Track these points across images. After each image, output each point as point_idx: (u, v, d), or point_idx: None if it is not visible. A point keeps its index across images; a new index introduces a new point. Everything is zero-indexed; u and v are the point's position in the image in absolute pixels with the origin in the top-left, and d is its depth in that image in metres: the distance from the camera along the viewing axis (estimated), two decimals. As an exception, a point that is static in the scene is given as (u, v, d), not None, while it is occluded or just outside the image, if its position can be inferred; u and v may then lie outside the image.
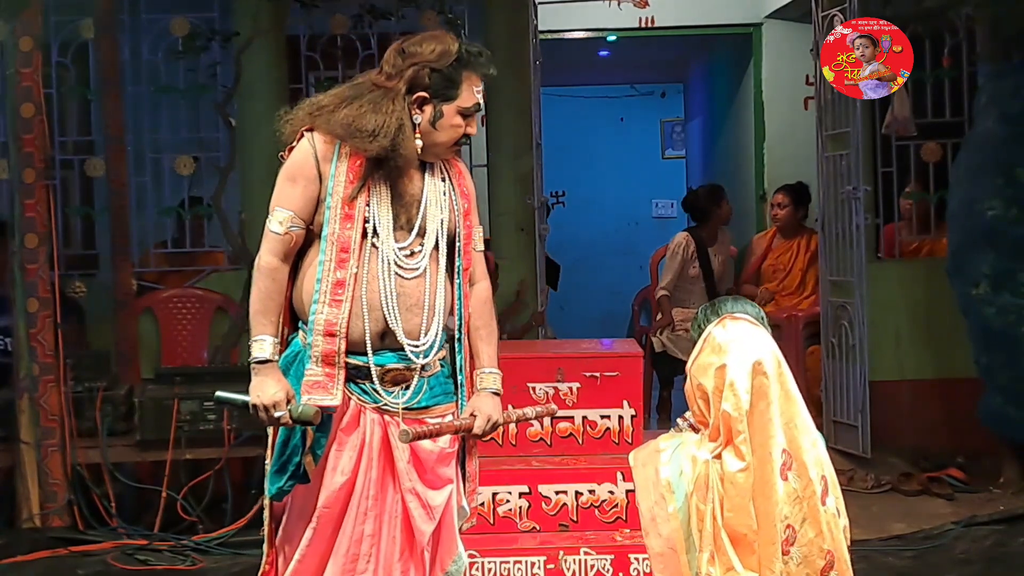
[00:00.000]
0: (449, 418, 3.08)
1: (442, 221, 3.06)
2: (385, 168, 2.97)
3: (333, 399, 2.95)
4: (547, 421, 4.69)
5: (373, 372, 2.98)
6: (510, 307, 6.39)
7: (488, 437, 3.14)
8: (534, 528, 4.61)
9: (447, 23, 6.15)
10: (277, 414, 2.92)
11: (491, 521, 4.59)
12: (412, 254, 3.01)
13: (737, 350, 3.16)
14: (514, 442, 4.76)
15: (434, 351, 3.05)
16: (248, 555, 4.88)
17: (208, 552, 5.13)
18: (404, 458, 3.01)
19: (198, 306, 6.32)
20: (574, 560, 4.46)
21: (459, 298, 3.10)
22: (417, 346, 3.01)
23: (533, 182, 6.42)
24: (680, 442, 3.26)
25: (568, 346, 5.51)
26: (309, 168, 2.98)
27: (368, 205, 2.97)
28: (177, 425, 5.28)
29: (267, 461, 3.05)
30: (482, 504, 4.50)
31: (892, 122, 6.32)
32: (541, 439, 4.77)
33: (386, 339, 2.99)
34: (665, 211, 11.59)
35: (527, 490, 4.61)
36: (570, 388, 4.75)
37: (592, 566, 4.46)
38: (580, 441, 4.75)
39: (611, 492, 4.62)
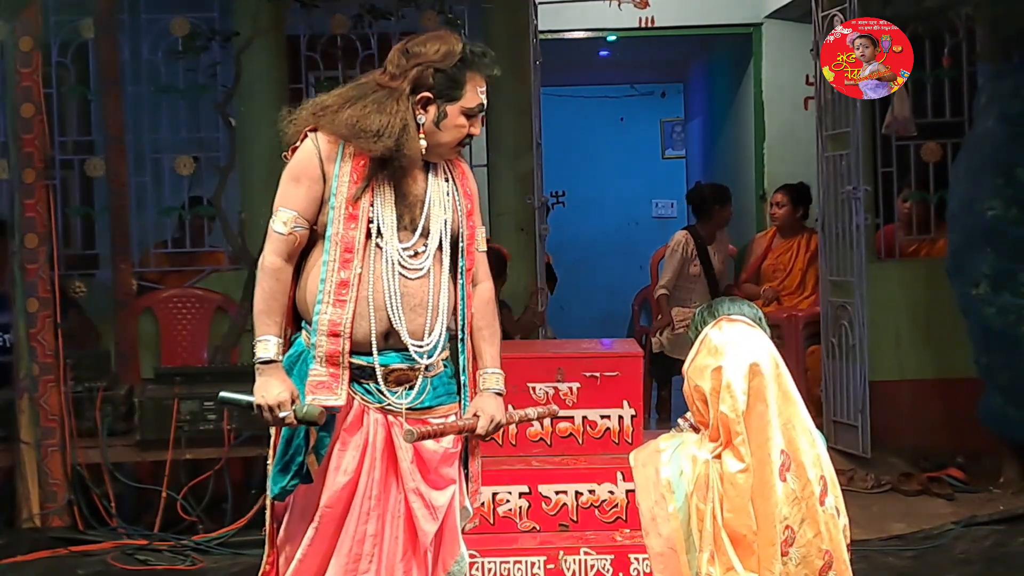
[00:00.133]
0: (452, 418, 3.08)
1: (445, 221, 3.06)
2: (389, 168, 2.97)
3: (337, 399, 2.95)
4: (547, 421, 4.69)
5: (377, 372, 2.98)
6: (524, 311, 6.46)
7: (490, 437, 3.14)
8: (534, 528, 4.61)
9: (447, 23, 6.12)
10: (282, 414, 2.92)
11: (491, 521, 4.59)
12: (416, 254, 3.01)
13: (733, 352, 3.16)
14: (514, 442, 4.75)
15: (438, 351, 3.06)
16: (248, 555, 4.89)
17: (208, 552, 5.13)
18: (408, 458, 3.01)
19: (198, 306, 6.32)
20: (574, 560, 4.46)
21: (462, 299, 3.11)
22: (421, 346, 3.01)
23: (533, 182, 6.41)
24: (680, 442, 3.26)
25: (568, 346, 5.50)
26: (313, 168, 2.98)
27: (372, 205, 2.97)
28: (177, 425, 5.28)
29: (269, 461, 3.04)
30: (482, 504, 4.50)
31: (892, 122, 6.31)
32: (541, 439, 4.77)
33: (390, 339, 2.99)
34: (665, 211, 11.57)
35: (527, 490, 4.61)
36: (570, 388, 4.75)
37: (592, 566, 4.46)
38: (580, 441, 4.75)
39: (611, 492, 4.62)
